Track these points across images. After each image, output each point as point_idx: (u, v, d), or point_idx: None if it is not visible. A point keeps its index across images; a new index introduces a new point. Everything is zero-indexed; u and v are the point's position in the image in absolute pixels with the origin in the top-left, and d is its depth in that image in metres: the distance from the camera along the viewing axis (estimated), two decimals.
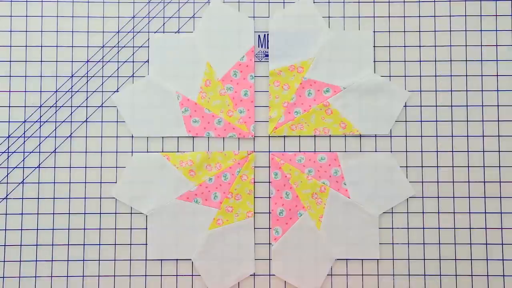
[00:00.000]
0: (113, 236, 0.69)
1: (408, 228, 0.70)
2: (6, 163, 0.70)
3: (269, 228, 0.70)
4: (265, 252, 0.70)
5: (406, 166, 0.70)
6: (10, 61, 0.71)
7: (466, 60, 0.71)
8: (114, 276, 0.69)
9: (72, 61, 0.71)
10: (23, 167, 0.70)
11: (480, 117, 0.71)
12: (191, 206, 0.70)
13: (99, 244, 0.69)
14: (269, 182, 0.71)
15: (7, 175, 0.70)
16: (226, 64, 0.71)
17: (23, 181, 0.70)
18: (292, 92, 0.71)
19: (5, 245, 0.69)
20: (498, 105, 0.71)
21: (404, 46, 0.71)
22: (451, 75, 0.71)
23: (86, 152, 0.70)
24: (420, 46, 0.71)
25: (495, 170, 0.70)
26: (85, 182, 0.70)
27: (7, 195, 0.70)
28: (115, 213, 0.70)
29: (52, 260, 0.69)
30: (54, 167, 0.70)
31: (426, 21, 0.71)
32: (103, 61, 0.71)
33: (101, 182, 0.70)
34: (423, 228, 0.70)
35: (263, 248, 0.70)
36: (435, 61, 0.71)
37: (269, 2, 0.72)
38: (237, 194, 0.70)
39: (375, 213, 0.69)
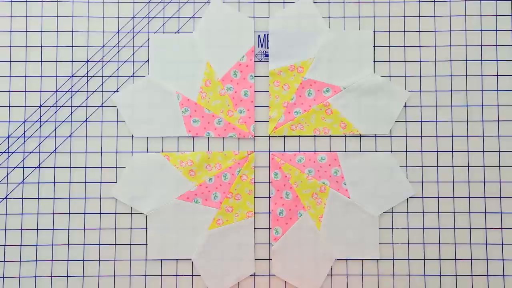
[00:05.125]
0: (113, 236, 0.69)
1: (408, 228, 0.70)
2: (6, 163, 0.70)
3: (269, 228, 0.70)
4: (265, 252, 0.70)
5: (406, 166, 0.70)
6: (10, 61, 0.71)
7: (466, 60, 0.71)
8: (114, 276, 0.69)
9: (72, 61, 0.71)
10: (23, 167, 0.70)
11: (480, 117, 0.71)
12: (191, 206, 0.70)
13: (99, 244, 0.69)
14: (269, 182, 0.71)
15: (7, 175, 0.70)
16: (226, 64, 0.71)
17: (23, 181, 0.70)
18: (292, 92, 0.71)
19: (5, 245, 0.69)
20: (498, 105, 0.71)
21: (404, 46, 0.71)
22: (451, 75, 0.71)
23: (86, 152, 0.70)
24: (420, 46, 0.71)
25: (495, 170, 0.70)
26: (85, 182, 0.70)
27: (7, 195, 0.70)
28: (115, 213, 0.70)
29: (52, 260, 0.69)
30: (54, 167, 0.70)
31: (426, 21, 0.71)
32: (103, 61, 0.71)
33: (101, 182, 0.70)
34: (423, 228, 0.70)
35: (263, 248, 0.70)
36: (435, 61, 0.71)
37: (269, 2, 0.72)
38: (237, 194, 0.70)
39: (375, 213, 0.69)
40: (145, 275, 0.69)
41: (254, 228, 0.70)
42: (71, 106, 0.71)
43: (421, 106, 0.71)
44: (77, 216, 0.70)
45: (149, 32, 0.71)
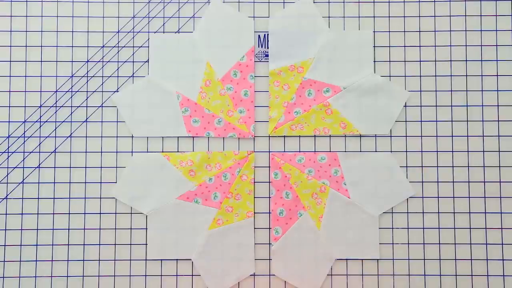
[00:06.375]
0: (113, 236, 0.69)
1: (408, 228, 0.70)
2: (6, 163, 0.70)
3: (269, 228, 0.70)
4: (265, 252, 0.70)
5: (406, 166, 0.70)
6: (10, 61, 0.71)
7: (466, 60, 0.71)
8: (114, 276, 0.69)
9: (72, 61, 0.71)
10: (23, 167, 0.70)
11: (480, 117, 0.71)
12: (191, 206, 0.70)
13: (99, 244, 0.69)
14: (269, 182, 0.71)
15: (7, 175, 0.70)
16: (226, 64, 0.71)
17: (23, 181, 0.70)
18: (292, 92, 0.71)
19: (5, 245, 0.69)
20: (498, 105, 0.71)
21: (404, 46, 0.71)
22: (451, 75, 0.71)
23: (86, 152, 0.70)
24: (420, 46, 0.71)
25: (495, 170, 0.70)
26: (85, 182, 0.70)
27: (7, 195, 0.70)
28: (115, 213, 0.70)
29: (52, 260, 0.69)
30: (54, 167, 0.70)
31: (426, 21, 0.71)
32: (103, 61, 0.71)
33: (101, 182, 0.70)
34: (423, 228, 0.70)
35: (263, 248, 0.70)
36: (435, 61, 0.71)
37: (269, 2, 0.72)
38: (237, 194, 0.70)
39: (375, 213, 0.69)
40: (145, 275, 0.69)
41: (254, 228, 0.70)
42: (71, 106, 0.71)
43: (421, 106, 0.71)
44: (77, 216, 0.70)
45: (149, 32, 0.71)
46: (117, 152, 0.70)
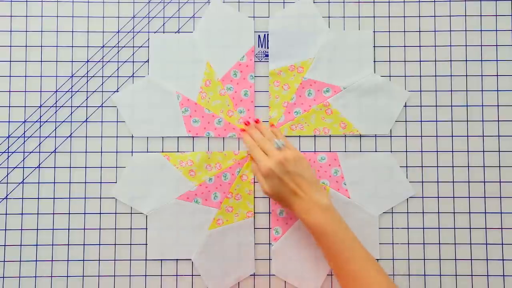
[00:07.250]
0: (113, 236, 0.69)
1: (408, 228, 0.70)
2: (6, 163, 0.70)
3: (269, 228, 0.70)
4: (265, 252, 0.70)
5: (406, 166, 0.70)
6: (10, 61, 0.71)
7: (466, 60, 0.71)
8: (114, 276, 0.69)
9: (72, 61, 0.71)
10: (23, 167, 0.70)
11: (480, 117, 0.71)
12: (191, 206, 0.70)
13: (99, 244, 0.69)
14: None
15: (7, 175, 0.70)
16: (226, 64, 0.71)
17: (23, 181, 0.70)
18: (292, 92, 0.71)
19: (5, 245, 0.69)
20: (498, 105, 0.71)
21: (404, 46, 0.71)
22: (451, 75, 0.71)
23: (86, 152, 0.70)
24: (420, 46, 0.71)
25: (495, 170, 0.70)
26: (85, 182, 0.70)
27: (7, 195, 0.70)
28: (115, 213, 0.70)
29: (52, 260, 0.69)
30: (54, 167, 0.70)
31: (426, 21, 0.71)
32: (103, 61, 0.71)
33: (101, 182, 0.70)
34: (423, 228, 0.70)
35: (263, 248, 0.70)
36: (435, 61, 0.71)
37: (269, 2, 0.72)
38: (237, 194, 0.70)
39: (375, 213, 0.69)
40: (145, 275, 0.69)
41: (254, 228, 0.70)
42: (71, 106, 0.71)
43: (421, 106, 0.71)
44: (77, 216, 0.70)
45: (149, 32, 0.71)
46: (117, 152, 0.70)
